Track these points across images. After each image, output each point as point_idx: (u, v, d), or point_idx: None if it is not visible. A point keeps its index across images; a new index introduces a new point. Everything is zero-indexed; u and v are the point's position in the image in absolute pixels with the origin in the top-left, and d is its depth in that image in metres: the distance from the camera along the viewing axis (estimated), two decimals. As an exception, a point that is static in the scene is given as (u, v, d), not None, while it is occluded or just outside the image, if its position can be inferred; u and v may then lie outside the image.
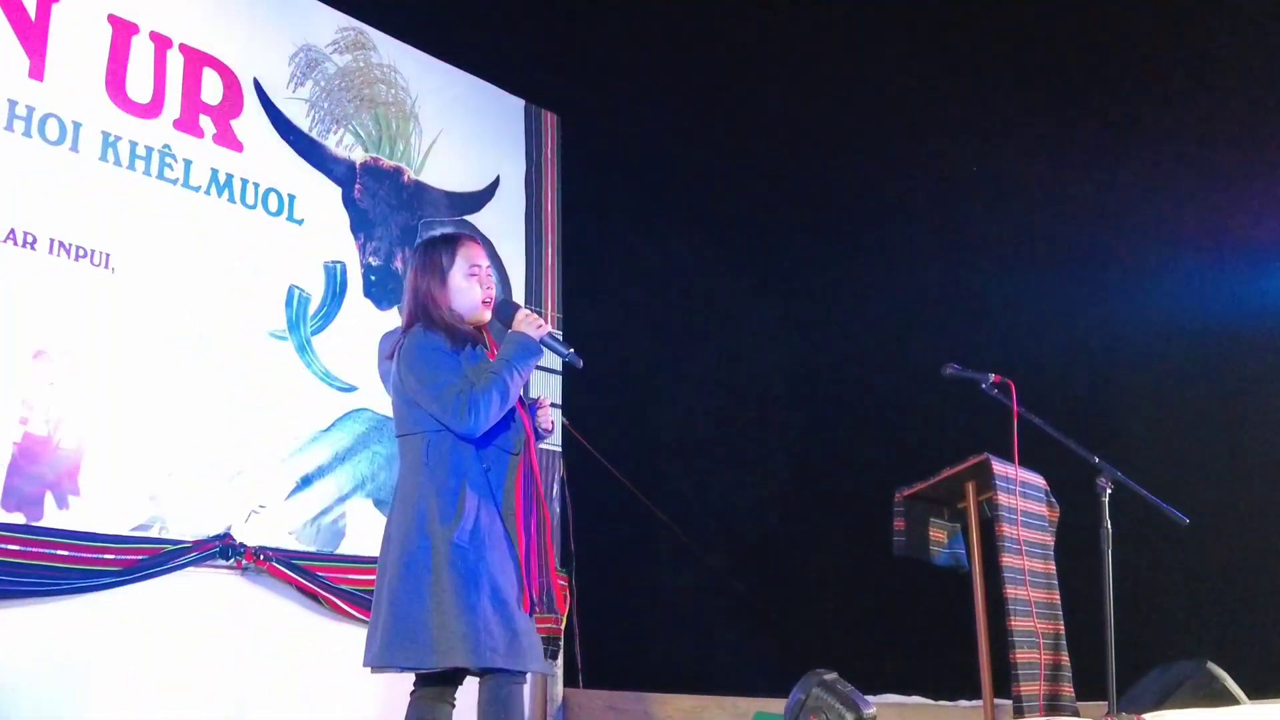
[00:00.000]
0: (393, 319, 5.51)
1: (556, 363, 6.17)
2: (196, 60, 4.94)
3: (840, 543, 6.68)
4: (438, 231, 3.67)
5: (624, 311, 6.99)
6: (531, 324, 3.34)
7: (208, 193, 4.88)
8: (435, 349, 3.23)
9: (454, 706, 3.33)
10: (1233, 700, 4.35)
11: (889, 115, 7.13)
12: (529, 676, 3.38)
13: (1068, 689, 4.23)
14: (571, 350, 3.43)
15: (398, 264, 5.63)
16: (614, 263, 6.95)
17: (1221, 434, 6.07)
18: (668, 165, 7.39)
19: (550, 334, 3.38)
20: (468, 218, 6.05)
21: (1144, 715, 3.40)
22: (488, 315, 3.41)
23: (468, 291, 3.36)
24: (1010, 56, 6.76)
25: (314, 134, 5.39)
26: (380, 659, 3.18)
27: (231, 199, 4.97)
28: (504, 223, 6.23)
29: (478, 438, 3.21)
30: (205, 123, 4.92)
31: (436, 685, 3.27)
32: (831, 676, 3.77)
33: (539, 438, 3.52)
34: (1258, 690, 4.31)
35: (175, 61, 4.85)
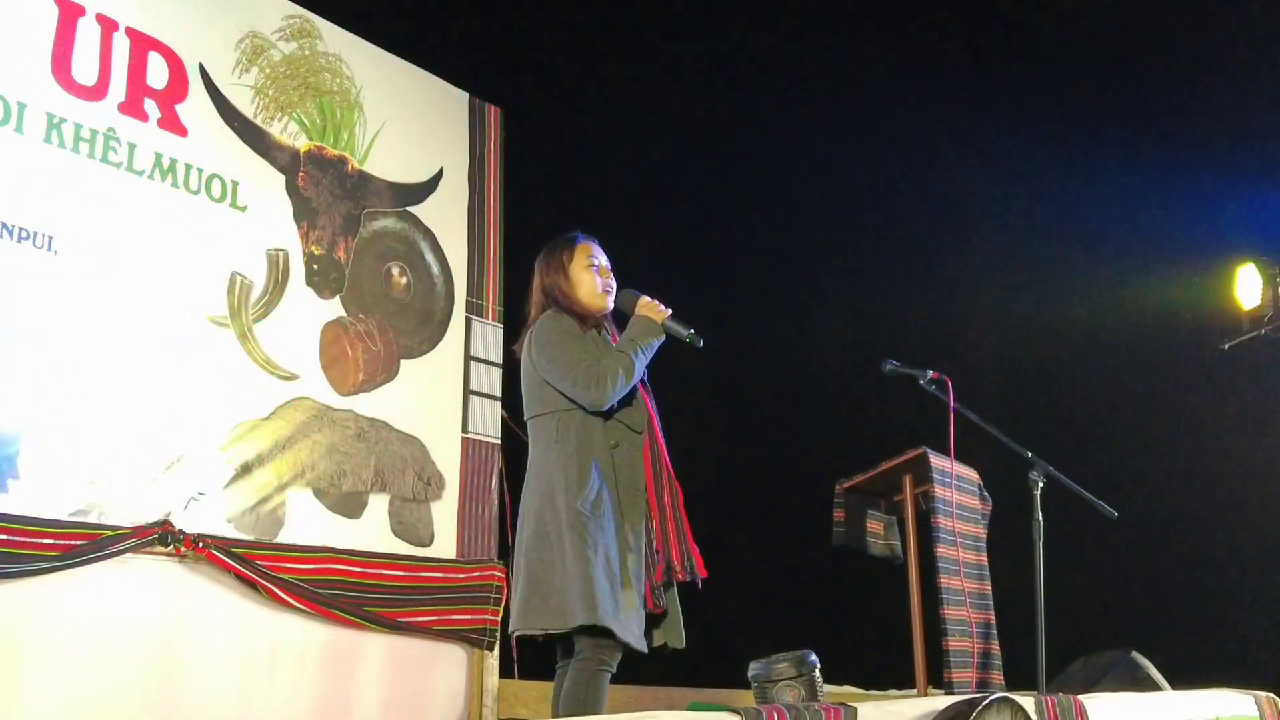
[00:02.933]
0: (333, 309, 5.54)
1: (496, 356, 6.24)
2: (142, 44, 4.89)
3: (779, 534, 6.80)
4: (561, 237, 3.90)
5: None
6: (654, 309, 3.63)
7: (151, 177, 4.84)
8: (565, 331, 3.51)
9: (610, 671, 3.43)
10: (1155, 687, 4.54)
11: (831, 116, 7.26)
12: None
13: (998, 677, 4.37)
14: (692, 330, 3.62)
15: (340, 253, 5.61)
16: None
17: (1151, 432, 6.29)
18: (610, 161, 7.47)
19: (671, 317, 3.62)
20: (410, 209, 6.04)
21: (1078, 697, 3.42)
22: (608, 303, 3.69)
23: (587, 282, 3.65)
24: (953, 65, 6.93)
25: (258, 121, 5.35)
26: (518, 623, 3.44)
27: (175, 184, 4.93)
28: (447, 215, 6.23)
29: (604, 413, 3.44)
30: (150, 107, 4.88)
31: (603, 654, 3.37)
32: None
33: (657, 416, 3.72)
34: (1179, 677, 4.49)
35: (121, 44, 4.80)
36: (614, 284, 3.75)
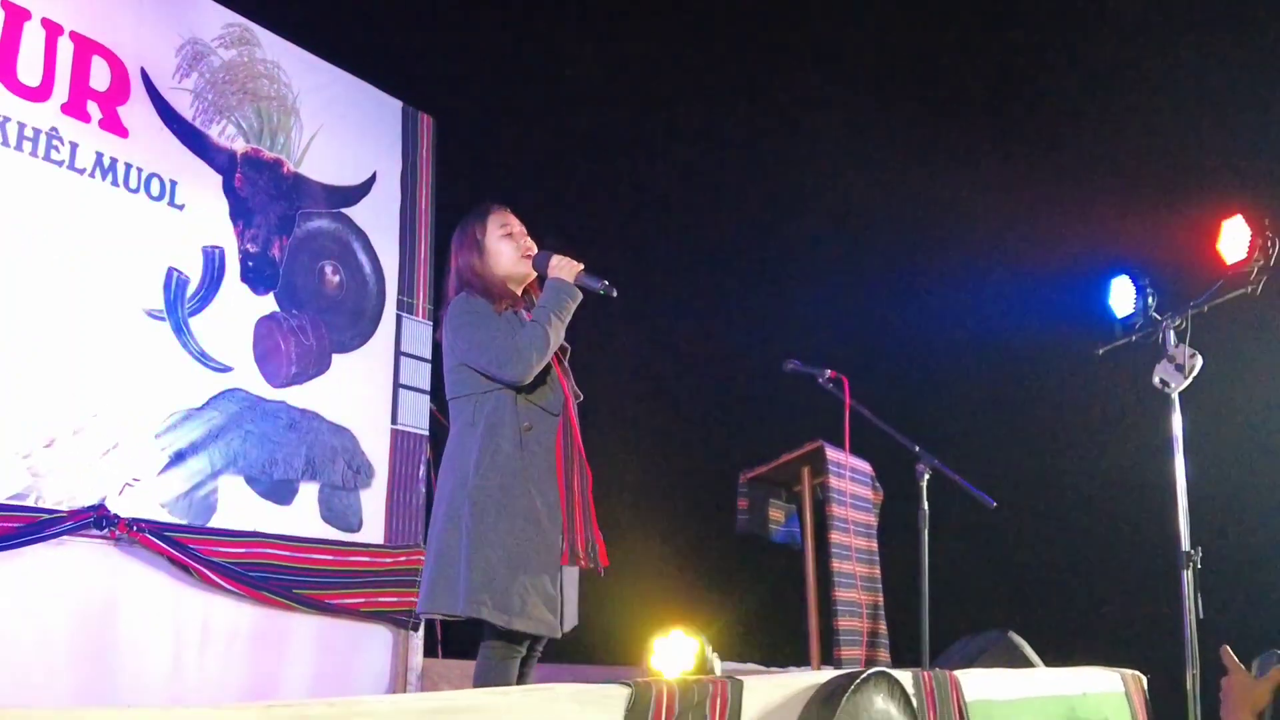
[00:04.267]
0: (267, 304, 5.63)
1: (425, 352, 6.33)
2: (86, 48, 4.95)
3: (688, 522, 6.88)
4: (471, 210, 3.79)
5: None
6: (565, 268, 3.50)
7: (92, 175, 4.90)
8: (477, 312, 3.42)
9: (518, 660, 3.38)
10: (1028, 664, 4.73)
11: (744, 129, 7.38)
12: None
13: (884, 654, 4.50)
14: (605, 282, 3.54)
15: (274, 251, 5.68)
16: None
17: (1030, 429, 6.46)
18: (536, 169, 7.55)
19: (583, 272, 3.51)
20: (344, 210, 6.12)
21: (955, 672, 3.52)
22: (529, 267, 3.58)
23: (506, 251, 3.57)
24: (850, 82, 7.09)
25: (197, 124, 5.41)
26: (424, 605, 3.36)
27: (115, 183, 4.99)
28: (379, 217, 6.30)
29: (520, 395, 3.36)
30: (92, 108, 4.94)
31: (504, 640, 3.31)
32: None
33: (576, 398, 3.64)
34: (1052, 656, 4.68)
35: (65, 48, 4.86)
36: (533, 245, 3.64)
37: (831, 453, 4.43)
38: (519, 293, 3.62)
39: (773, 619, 4.78)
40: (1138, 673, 4.66)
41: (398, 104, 6.56)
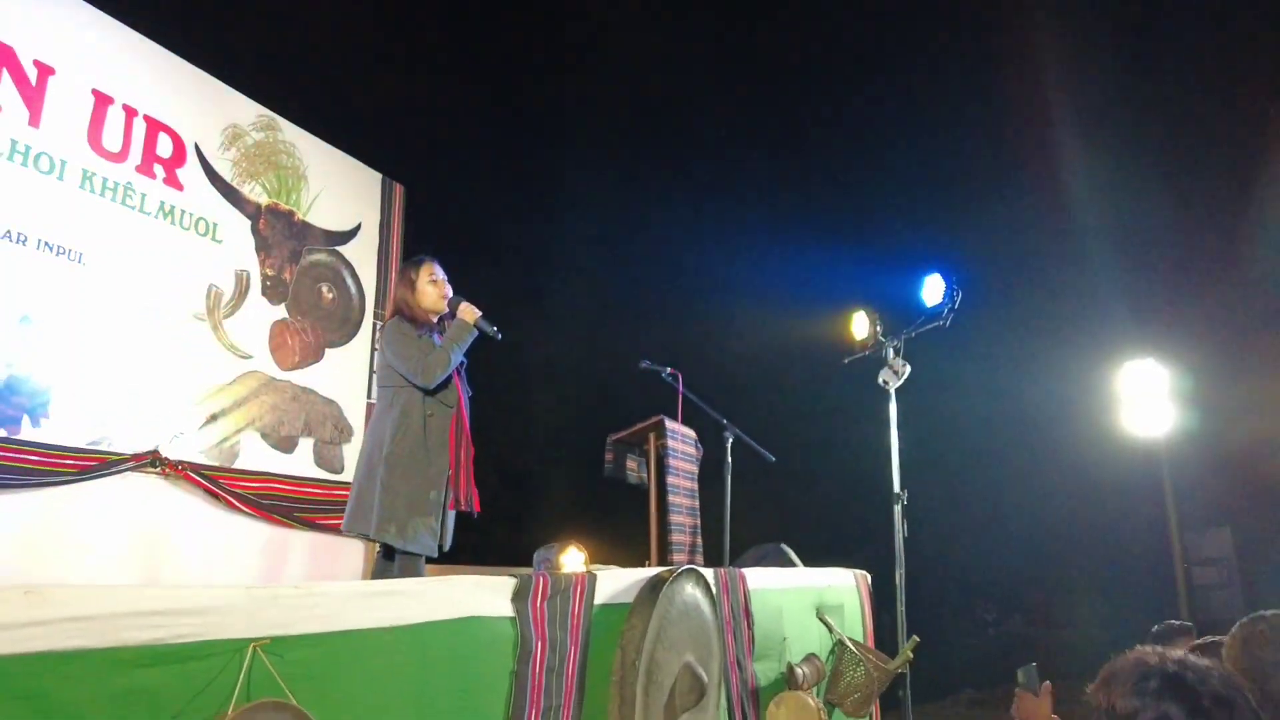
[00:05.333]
0: (280, 312, 5.60)
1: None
2: (155, 126, 4.91)
3: (574, 471, 6.92)
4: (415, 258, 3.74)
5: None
6: (468, 312, 3.49)
7: (156, 217, 4.86)
8: (404, 333, 3.41)
9: (421, 562, 3.33)
10: (793, 565, 4.81)
11: (610, 190, 7.44)
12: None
13: (700, 559, 4.45)
14: (494, 328, 3.51)
15: (286, 275, 5.64)
16: None
17: (799, 410, 6.65)
18: (477, 225, 7.57)
19: (482, 318, 3.49)
20: (338, 248, 6.10)
21: (744, 570, 3.55)
22: (444, 306, 3.56)
23: (430, 293, 3.55)
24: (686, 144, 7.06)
25: (234, 183, 5.35)
26: (346, 525, 3.34)
27: (173, 223, 4.95)
28: (363, 255, 6.29)
29: (428, 392, 3.36)
30: (158, 169, 4.89)
31: (406, 555, 3.28)
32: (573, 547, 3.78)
33: (468, 395, 3.61)
34: (810, 561, 4.77)
35: (139, 126, 4.82)
36: (449, 290, 3.60)
37: (670, 423, 4.43)
38: (435, 322, 3.60)
39: (627, 536, 4.79)
40: (864, 572, 4.74)
41: (378, 175, 6.56)
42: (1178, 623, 4.30)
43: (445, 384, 3.43)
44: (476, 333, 3.49)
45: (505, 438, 7.56)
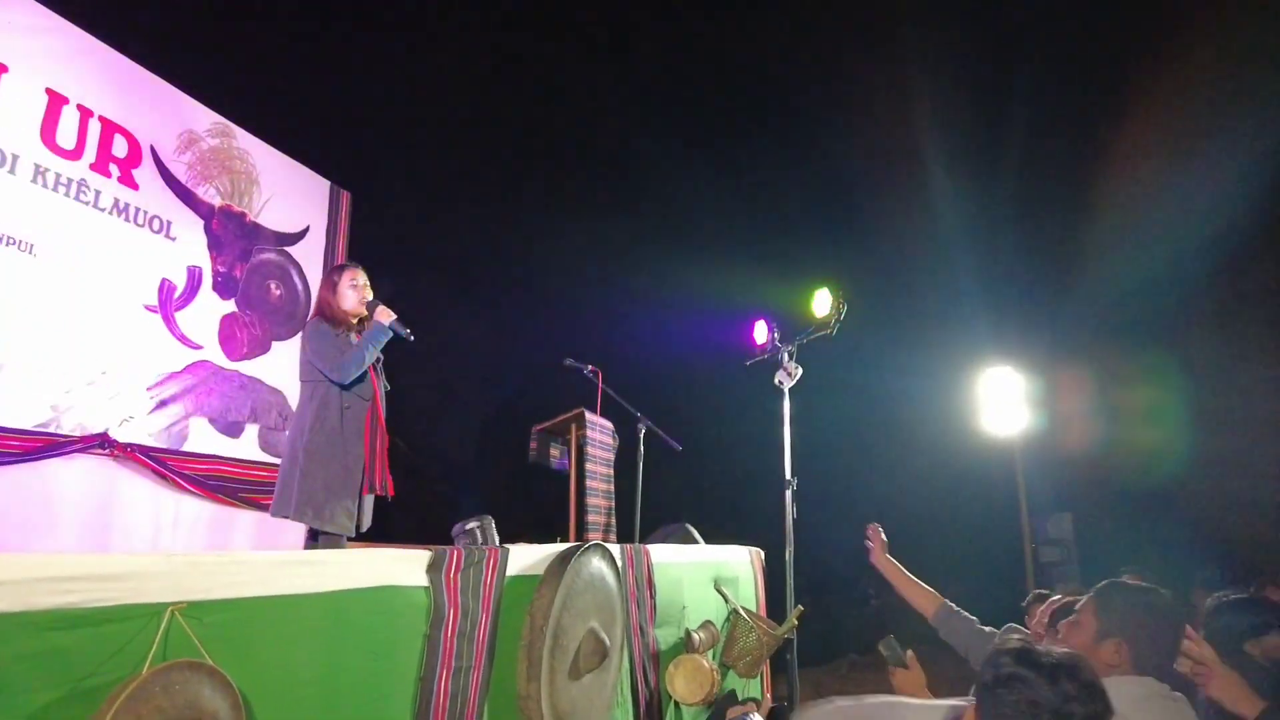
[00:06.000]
0: (229, 306, 5.41)
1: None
2: (110, 127, 4.68)
3: (502, 458, 6.85)
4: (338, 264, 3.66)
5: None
6: (384, 315, 3.39)
7: (110, 213, 4.63)
8: (324, 333, 3.31)
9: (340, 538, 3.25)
10: (695, 542, 4.83)
11: (552, 204, 7.36)
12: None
13: (613, 537, 4.54)
14: (408, 330, 3.42)
15: (237, 272, 5.46)
16: (375, 288, 6.79)
17: (708, 403, 6.64)
18: (418, 230, 7.42)
19: (395, 321, 3.40)
20: (287, 248, 5.91)
21: (649, 546, 3.47)
22: (363, 309, 3.46)
23: (351, 296, 3.45)
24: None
25: (189, 185, 5.14)
26: (272, 509, 3.22)
27: (127, 219, 4.73)
28: (310, 254, 6.12)
29: (345, 386, 3.27)
30: (113, 168, 4.67)
31: (326, 534, 3.21)
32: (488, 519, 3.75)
33: (384, 389, 3.52)
34: (709, 538, 4.66)
35: (95, 126, 4.60)
36: (369, 294, 3.51)
37: (589, 416, 4.42)
38: (355, 323, 3.50)
39: (549, 516, 4.73)
40: (759, 549, 4.75)
41: (327, 183, 6.40)
42: (1043, 591, 4.43)
43: (361, 379, 3.35)
44: (391, 334, 3.41)
45: (439, 428, 7.46)
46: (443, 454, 7.42)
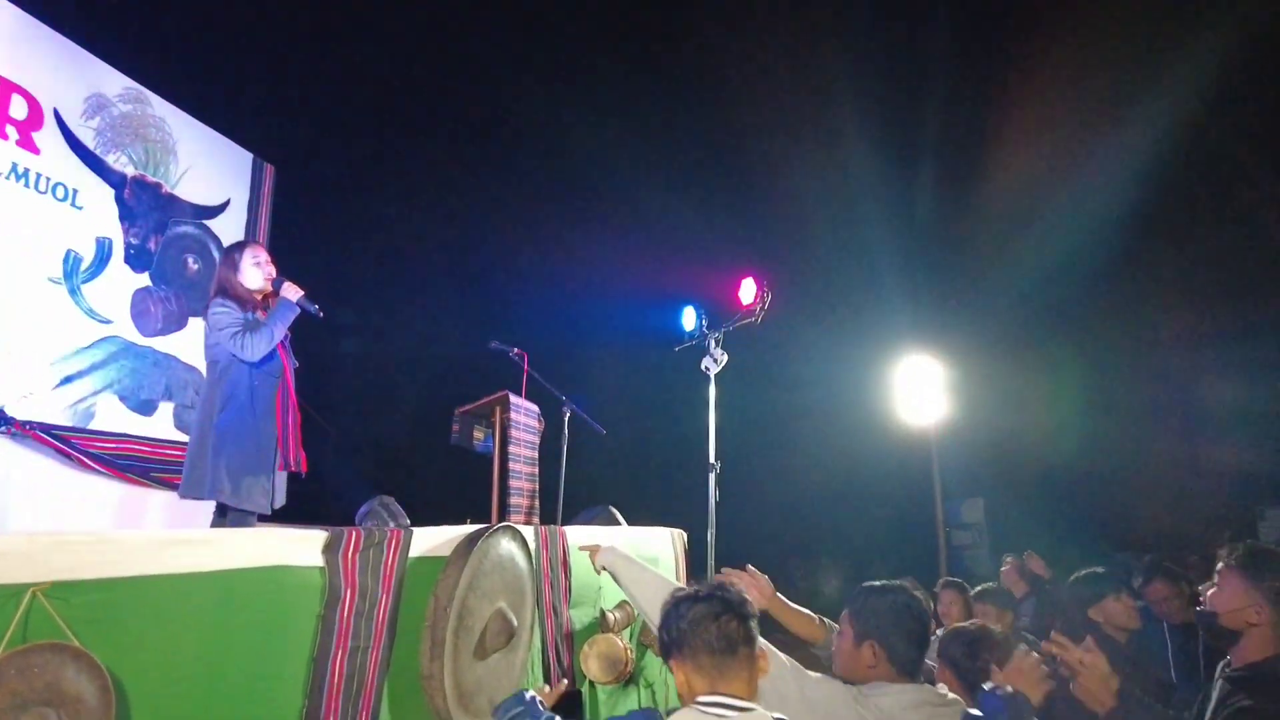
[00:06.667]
0: (143, 280, 5.18)
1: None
2: (7, 87, 4.39)
3: (424, 440, 6.71)
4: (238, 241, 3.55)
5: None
6: (291, 291, 3.33)
7: (8, 178, 4.36)
8: (227, 310, 3.22)
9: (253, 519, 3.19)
10: (617, 524, 4.84)
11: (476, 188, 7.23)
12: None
13: (536, 520, 4.55)
14: (316, 306, 3.37)
15: (151, 245, 5.22)
16: (300, 265, 6.57)
17: (635, 389, 6.63)
18: (344, 207, 7.21)
19: (303, 297, 3.34)
20: (205, 222, 5.66)
21: (567, 528, 3.42)
22: (269, 286, 3.36)
23: (254, 274, 3.35)
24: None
25: (98, 152, 4.87)
26: (181, 491, 3.14)
27: (27, 185, 4.46)
28: (230, 228, 5.87)
29: (253, 365, 3.19)
30: (10, 130, 4.38)
31: (238, 512, 3.14)
32: (388, 499, 3.60)
33: (294, 366, 3.44)
34: (632, 520, 4.61)
35: (-9, 85, 4.29)
36: (273, 271, 3.41)
37: (514, 399, 4.35)
38: (260, 300, 3.40)
39: (473, 497, 4.67)
40: (681, 531, 4.68)
41: (249, 155, 6.14)
42: (953, 579, 4.55)
43: (270, 356, 3.27)
44: (298, 310, 3.34)
45: (363, 408, 7.27)
46: (368, 435, 7.25)
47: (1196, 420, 8.51)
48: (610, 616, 3.43)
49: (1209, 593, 2.21)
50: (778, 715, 1.55)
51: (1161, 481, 8.59)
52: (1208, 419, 8.48)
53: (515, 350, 4.66)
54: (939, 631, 2.76)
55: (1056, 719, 2.08)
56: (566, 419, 4.70)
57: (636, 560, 2.31)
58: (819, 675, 1.95)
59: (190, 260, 5.53)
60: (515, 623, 2.49)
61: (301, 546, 1.87)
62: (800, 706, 1.78)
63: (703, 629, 1.58)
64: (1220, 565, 2.20)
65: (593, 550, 2.81)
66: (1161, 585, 4.10)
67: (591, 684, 3.18)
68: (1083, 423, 8.52)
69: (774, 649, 1.88)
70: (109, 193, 4.99)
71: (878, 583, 2.08)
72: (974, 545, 9.11)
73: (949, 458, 6.70)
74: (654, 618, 2.02)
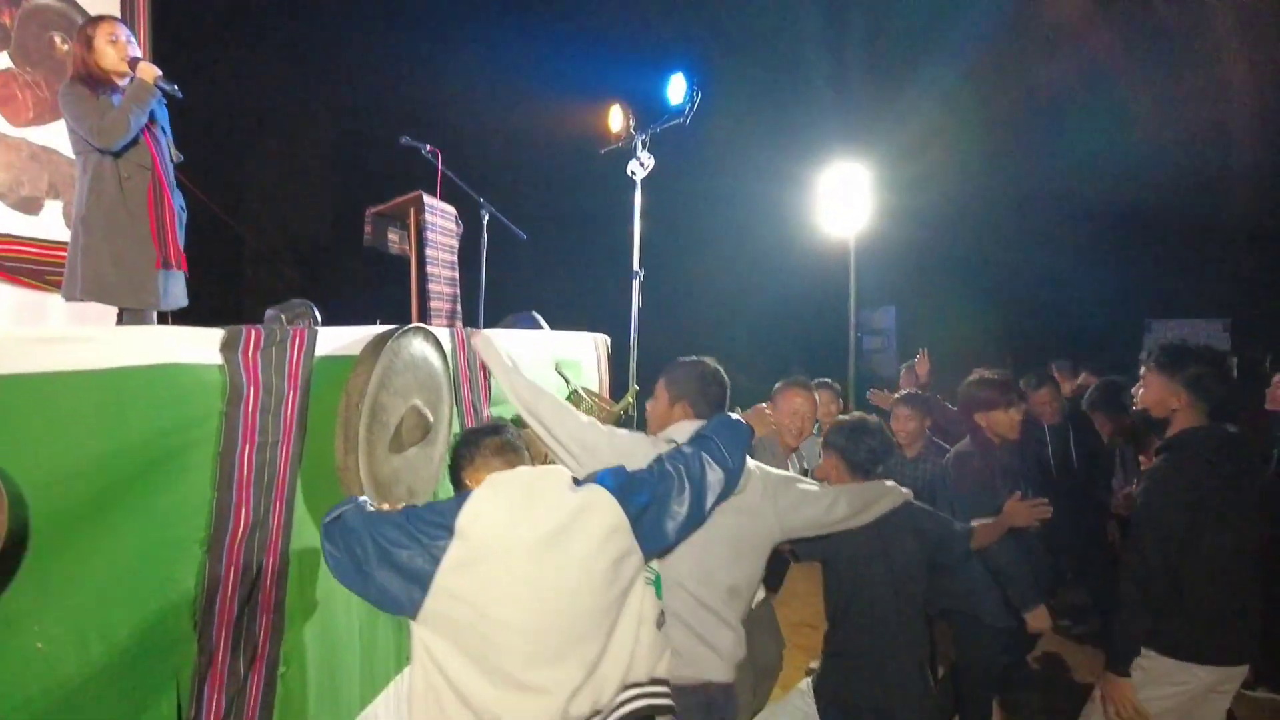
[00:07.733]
0: (4, 61, 4.57)
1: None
2: None
3: (332, 242, 6.45)
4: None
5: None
6: (148, 72, 3.07)
7: None
8: (78, 96, 2.96)
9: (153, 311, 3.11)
10: (540, 328, 4.82)
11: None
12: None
13: (459, 324, 4.46)
14: (174, 86, 3.14)
15: (5, 18, 4.59)
16: (192, 58, 5.88)
17: (558, 190, 6.27)
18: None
19: (160, 77, 3.09)
20: None
21: (484, 330, 3.38)
22: (126, 69, 3.10)
23: (110, 53, 3.07)
24: None
25: None
26: (63, 293, 3.03)
27: None
28: (104, 6, 4.98)
29: (115, 153, 2.97)
30: None
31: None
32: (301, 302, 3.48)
33: (173, 160, 3.24)
34: (554, 325, 4.60)
35: None
36: (133, 51, 3.15)
37: (429, 199, 4.16)
38: (118, 83, 3.11)
39: (390, 301, 4.56)
40: (604, 336, 4.79)
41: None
42: (825, 380, 4.74)
43: (135, 145, 3.05)
44: (158, 93, 3.09)
45: (273, 209, 6.87)
46: (286, 238, 6.92)
47: (1093, 237, 8.86)
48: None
49: (1139, 394, 2.70)
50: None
51: (1059, 294, 9.05)
52: (1104, 237, 8.84)
53: (429, 147, 4.41)
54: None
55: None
56: (485, 222, 4.56)
57: (504, 357, 2.39)
58: (625, 430, 2.31)
59: (57, 39, 4.88)
60: (431, 418, 2.54)
61: (197, 344, 1.81)
62: (610, 454, 2.12)
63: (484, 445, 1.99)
64: (1143, 369, 2.68)
65: (473, 332, 2.92)
66: (1046, 392, 4.63)
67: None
68: (995, 234, 8.77)
69: (591, 419, 2.26)
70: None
71: (690, 358, 2.47)
72: (882, 350, 9.63)
73: (866, 266, 6.85)
74: (527, 416, 2.25)
